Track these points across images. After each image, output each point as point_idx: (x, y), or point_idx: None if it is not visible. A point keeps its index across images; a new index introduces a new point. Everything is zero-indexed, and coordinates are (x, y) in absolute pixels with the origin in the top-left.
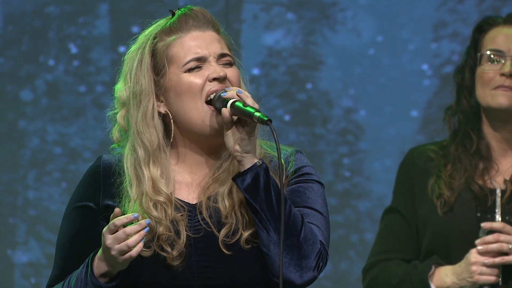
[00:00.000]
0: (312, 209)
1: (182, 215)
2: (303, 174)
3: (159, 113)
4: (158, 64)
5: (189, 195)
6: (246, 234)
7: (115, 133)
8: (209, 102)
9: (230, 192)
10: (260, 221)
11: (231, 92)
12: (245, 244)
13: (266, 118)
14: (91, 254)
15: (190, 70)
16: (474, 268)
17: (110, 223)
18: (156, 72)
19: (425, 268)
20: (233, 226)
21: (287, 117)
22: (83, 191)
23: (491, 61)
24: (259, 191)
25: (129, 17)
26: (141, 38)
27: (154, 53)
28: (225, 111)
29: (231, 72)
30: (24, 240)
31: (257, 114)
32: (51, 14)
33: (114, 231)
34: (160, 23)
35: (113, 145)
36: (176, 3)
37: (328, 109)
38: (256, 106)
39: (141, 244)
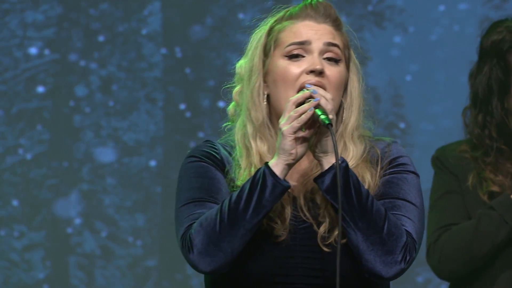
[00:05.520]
0: (404, 200)
1: (288, 193)
2: (398, 164)
3: (264, 93)
4: (268, 44)
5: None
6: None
7: (231, 109)
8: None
9: None
10: (342, 219)
11: (314, 93)
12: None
13: (326, 122)
14: (262, 168)
15: (291, 57)
16: None
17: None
18: (265, 53)
19: (501, 196)
20: (328, 224)
21: None
22: (206, 156)
23: None
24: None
25: (180, 14)
26: (270, 18)
27: (269, 34)
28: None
29: (331, 70)
30: (79, 232)
31: (322, 117)
32: (105, 11)
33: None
34: (290, 8)
35: (226, 123)
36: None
37: (375, 103)
38: (329, 106)
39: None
